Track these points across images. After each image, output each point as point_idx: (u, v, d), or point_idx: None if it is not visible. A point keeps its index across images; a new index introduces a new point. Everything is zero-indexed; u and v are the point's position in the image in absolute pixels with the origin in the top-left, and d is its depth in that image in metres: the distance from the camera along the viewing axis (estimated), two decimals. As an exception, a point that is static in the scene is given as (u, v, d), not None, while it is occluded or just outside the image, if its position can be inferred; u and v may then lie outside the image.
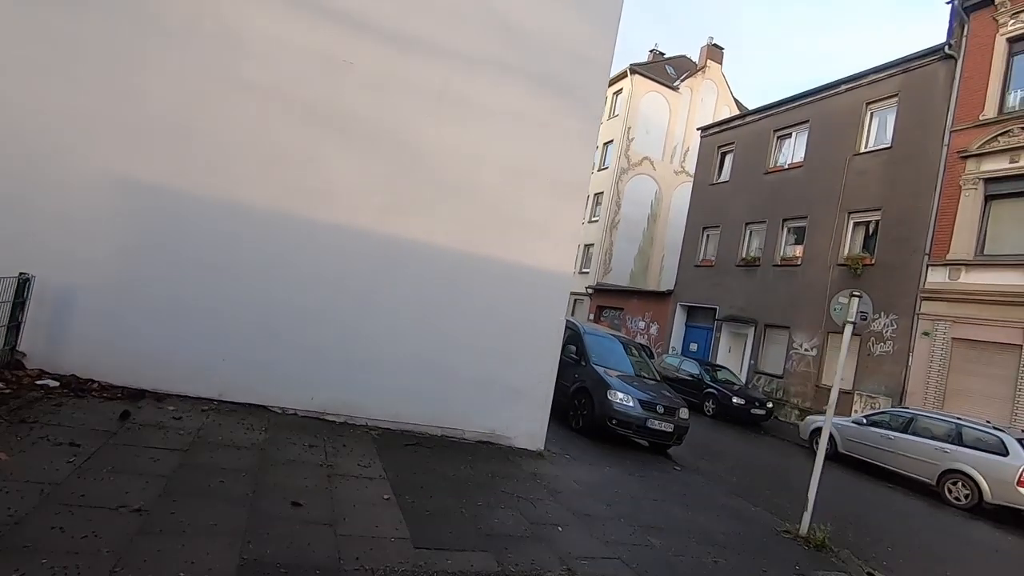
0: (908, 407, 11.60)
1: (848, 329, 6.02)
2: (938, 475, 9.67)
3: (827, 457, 12.14)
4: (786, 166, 18.77)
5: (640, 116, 29.94)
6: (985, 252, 12.90)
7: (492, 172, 6.32)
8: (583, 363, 9.13)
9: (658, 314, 23.42)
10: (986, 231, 12.99)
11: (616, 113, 30.94)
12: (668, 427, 8.35)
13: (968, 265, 13.00)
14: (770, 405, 14.96)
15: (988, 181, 13.04)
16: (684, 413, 8.69)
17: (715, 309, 20.20)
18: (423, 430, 6.11)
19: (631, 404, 8.27)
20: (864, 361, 14.79)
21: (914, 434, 10.29)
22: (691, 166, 30.36)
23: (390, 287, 5.93)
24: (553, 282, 6.64)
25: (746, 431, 13.86)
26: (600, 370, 8.85)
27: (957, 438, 9.65)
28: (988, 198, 13.05)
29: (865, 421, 11.11)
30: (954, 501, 9.38)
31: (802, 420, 15.99)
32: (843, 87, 17.05)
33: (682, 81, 31.16)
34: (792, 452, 12.05)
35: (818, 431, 11.98)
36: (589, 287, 28.80)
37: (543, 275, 6.57)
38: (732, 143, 21.40)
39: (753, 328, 18.45)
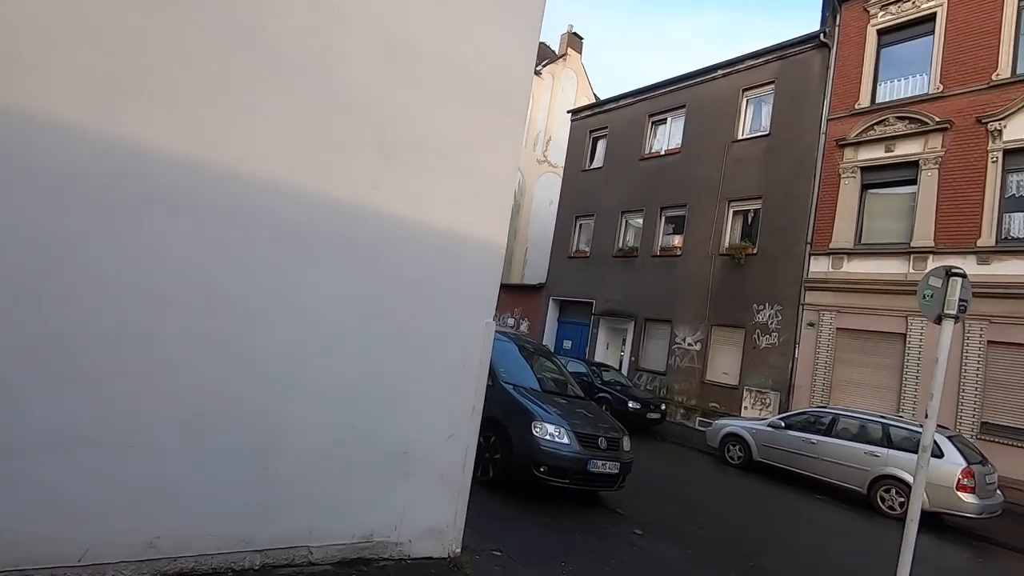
0: (825, 405, 10.80)
1: (948, 327, 4.01)
2: (869, 482, 8.69)
3: (740, 466, 11.06)
4: (663, 152, 17.93)
5: (503, 98, 27.88)
6: (863, 241, 12.81)
7: (358, 43, 3.26)
8: (489, 383, 6.38)
9: (529, 310, 21.54)
10: (863, 220, 12.93)
11: (477, 93, 28.51)
12: (613, 467, 5.97)
13: (849, 254, 12.82)
14: (664, 407, 13.65)
15: (865, 170, 12.98)
16: (627, 443, 6.40)
17: (591, 303, 18.80)
18: (222, 562, 2.88)
19: (565, 441, 5.72)
20: (750, 355, 14.18)
21: (838, 437, 9.30)
22: (554, 156, 29.23)
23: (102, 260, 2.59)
24: (474, 257, 3.79)
25: (646, 439, 12.26)
26: (516, 392, 6.18)
27: (886, 440, 8.77)
28: (865, 187, 13.00)
29: (783, 424, 9.98)
30: (888, 510, 8.43)
31: (688, 419, 15.09)
32: (720, 72, 16.53)
33: (544, 67, 29.85)
34: (712, 466, 10.59)
35: (730, 438, 10.68)
36: (451, 281, 26.02)
37: (456, 245, 3.68)
38: (605, 127, 20.21)
39: (633, 323, 17.30)
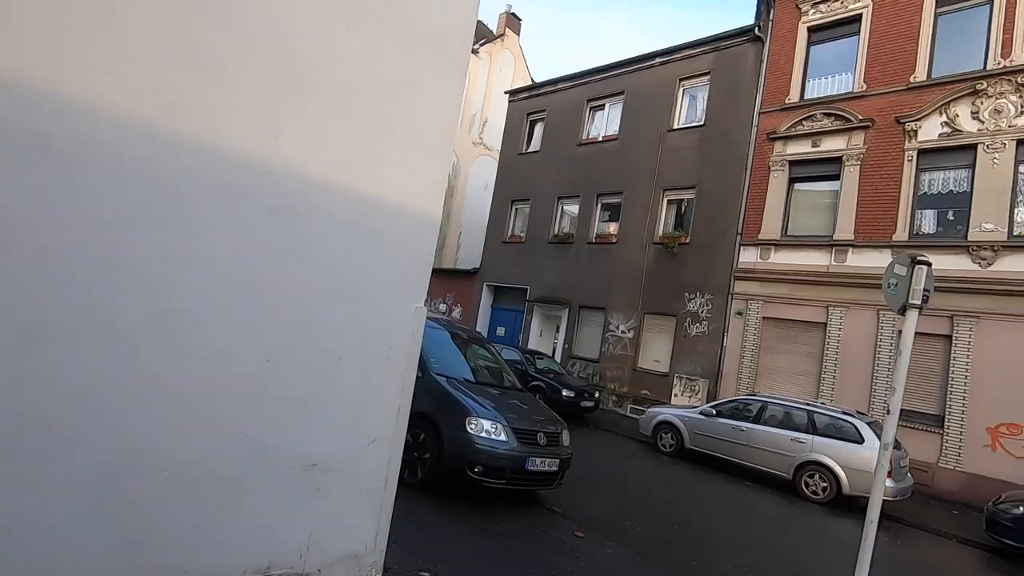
0: (755, 393, 10.97)
1: (912, 317, 3.83)
2: (794, 468, 8.89)
3: (672, 453, 11.10)
4: (600, 138, 17.77)
5: (438, 76, 26.80)
6: (789, 232, 13.19)
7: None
8: (419, 374, 5.78)
9: (462, 295, 20.94)
10: (791, 212, 13.30)
11: (411, 68, 27.24)
12: (552, 464, 5.57)
13: (777, 245, 13.17)
14: (597, 395, 13.56)
15: (793, 163, 13.34)
16: (567, 437, 6.02)
17: (526, 289, 18.48)
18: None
19: (502, 438, 5.25)
20: (681, 342, 14.35)
21: (766, 424, 9.45)
22: (490, 138, 28.58)
23: None
24: (404, 231, 3.18)
25: (579, 428, 12.08)
26: (448, 385, 5.62)
27: (811, 427, 8.99)
28: (793, 180, 13.37)
29: (714, 412, 10.05)
30: (811, 495, 8.66)
31: (620, 406, 15.15)
32: (658, 60, 16.50)
33: (481, 46, 28.99)
34: (645, 455, 10.53)
35: (663, 426, 10.66)
36: (380, 265, 24.88)
37: (382, 215, 3.06)
38: (543, 111, 19.81)
39: (567, 310, 17.14)
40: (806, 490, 8.72)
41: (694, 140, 15.27)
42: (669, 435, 10.53)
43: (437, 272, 23.12)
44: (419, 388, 5.39)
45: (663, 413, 10.85)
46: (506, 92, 21.78)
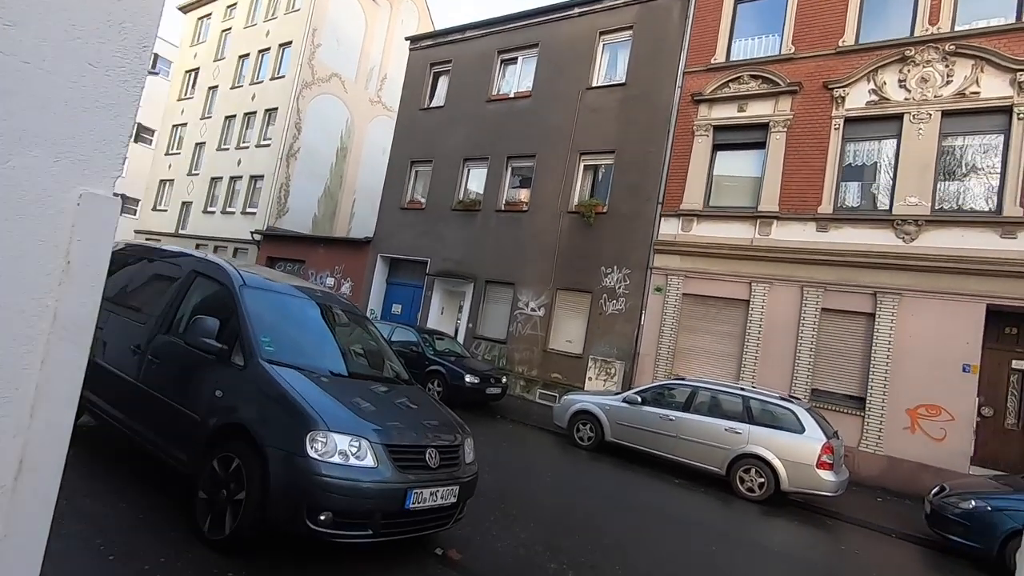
0: (683, 377, 9.77)
1: None
2: (728, 462, 7.78)
3: (591, 447, 9.65)
4: (512, 95, 15.95)
5: (329, 20, 23.60)
6: (712, 203, 12.26)
7: None
8: (238, 361, 3.66)
9: (352, 268, 18.39)
10: (713, 181, 12.37)
11: (296, 6, 23.76)
12: (450, 495, 3.71)
13: (699, 216, 12.19)
14: (504, 380, 11.92)
15: (718, 129, 12.37)
16: (470, 448, 4.19)
17: (426, 262, 16.39)
18: None
19: (368, 462, 3.29)
20: (596, 321, 13.08)
21: (697, 412, 8.28)
22: (388, 98, 25.90)
23: None
24: (53, 30, 1.13)
25: (484, 418, 10.41)
26: (286, 378, 3.56)
27: (747, 415, 7.91)
28: (717, 147, 12.42)
29: (639, 400, 8.75)
30: (747, 493, 7.59)
31: (529, 392, 13.67)
32: (577, 10, 14.91)
33: (381, -9, 25.93)
34: (561, 451, 9.01)
35: (581, 416, 9.23)
36: (256, 232, 21.56)
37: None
38: (448, 62, 17.59)
39: (472, 285, 15.32)
40: (741, 487, 7.64)
41: (614, 100, 13.93)
42: (587, 426, 9.12)
43: (323, 242, 20.34)
44: (237, 384, 3.32)
45: (580, 401, 9.41)
46: (407, 38, 19.24)
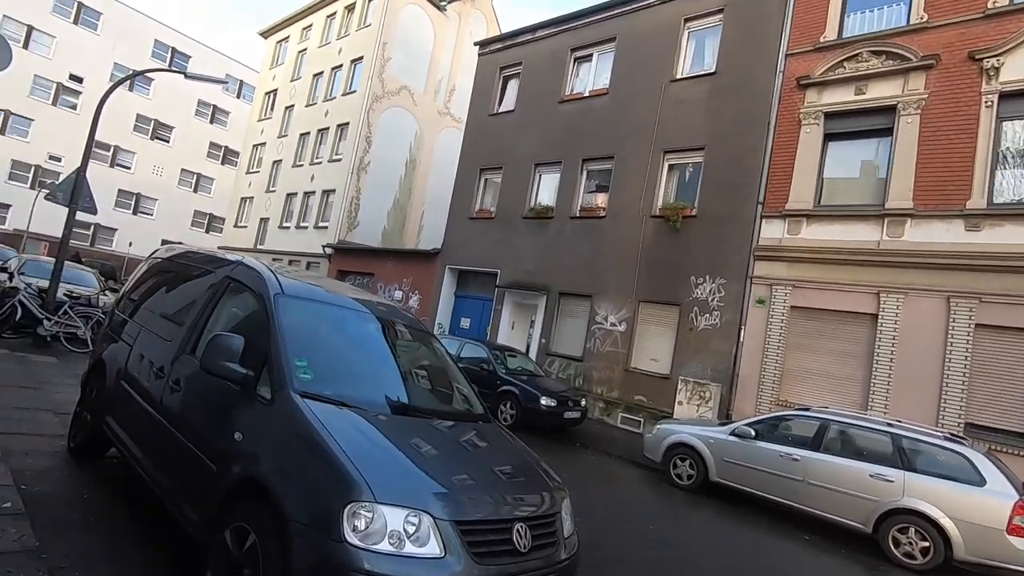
0: (808, 408, 8.19)
1: None
2: (877, 518, 6.19)
3: (692, 488, 8.03)
4: (587, 93, 14.89)
5: (399, 32, 23.62)
6: (825, 201, 10.57)
7: None
8: (264, 393, 2.77)
9: (420, 281, 17.84)
10: (826, 176, 10.68)
11: (367, 22, 23.98)
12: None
13: (809, 216, 10.53)
14: (584, 403, 10.72)
15: (830, 116, 10.70)
16: (567, 518, 3.08)
17: (496, 274, 15.52)
18: None
19: (431, 549, 2.26)
20: (686, 337, 11.62)
21: (831, 452, 6.74)
22: (457, 108, 25.60)
23: None
24: None
25: (562, 446, 9.26)
26: (316, 417, 2.61)
27: (901, 458, 6.29)
28: (829, 136, 10.74)
29: (752, 433, 7.30)
30: (905, 559, 5.97)
31: (609, 415, 12.37)
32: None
33: (449, 3, 25.80)
34: (655, 491, 7.70)
35: (679, 449, 7.87)
36: (328, 245, 21.62)
37: None
38: (518, 64, 16.82)
39: (545, 297, 14.26)
40: (896, 551, 6.03)
41: (702, 92, 12.53)
42: (687, 462, 7.75)
43: (391, 255, 19.99)
44: (260, 425, 2.34)
45: (678, 432, 8.05)
46: (476, 43, 18.68)
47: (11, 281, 10.62)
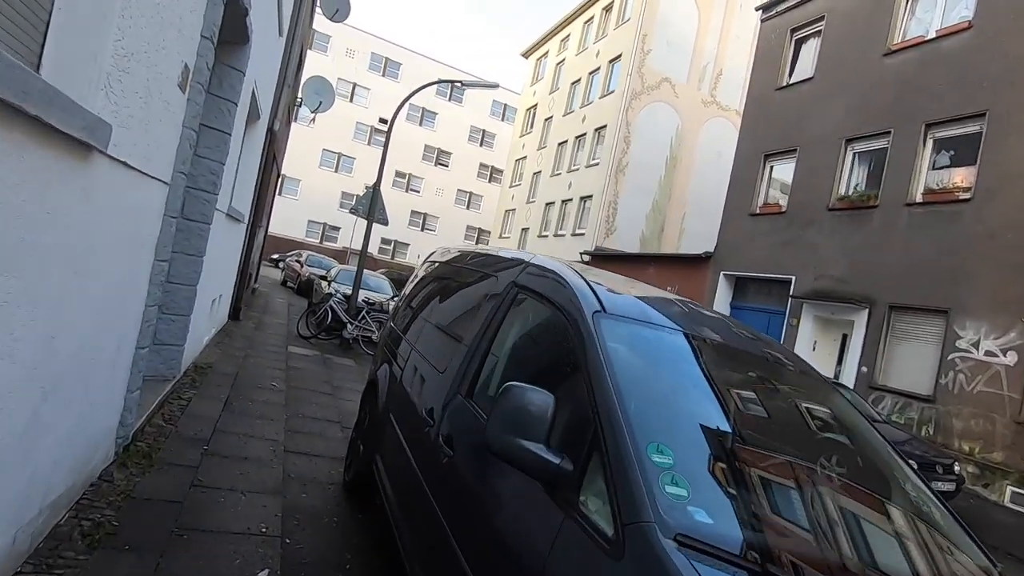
0: None
1: None
2: None
3: None
4: (932, 35, 10.94)
5: (659, 22, 21.92)
6: None
7: None
8: (601, 524, 1.37)
9: (688, 290, 15.69)
10: None
11: (626, 17, 22.87)
12: None
13: None
14: (957, 468, 7.36)
15: None
16: None
17: (789, 281, 12.53)
18: None
19: None
20: None
21: None
22: (724, 96, 22.74)
23: None
24: None
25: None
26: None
27: None
28: None
29: None
30: None
31: (988, 487, 8.51)
32: None
33: (716, -23, 23.06)
34: None
35: None
36: (585, 252, 21.03)
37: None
38: (818, 20, 13.52)
39: (866, 311, 10.81)
40: None
41: None
42: None
43: (655, 259, 18.26)
44: None
45: None
46: (757, 8, 15.82)
47: (328, 287, 12.20)
